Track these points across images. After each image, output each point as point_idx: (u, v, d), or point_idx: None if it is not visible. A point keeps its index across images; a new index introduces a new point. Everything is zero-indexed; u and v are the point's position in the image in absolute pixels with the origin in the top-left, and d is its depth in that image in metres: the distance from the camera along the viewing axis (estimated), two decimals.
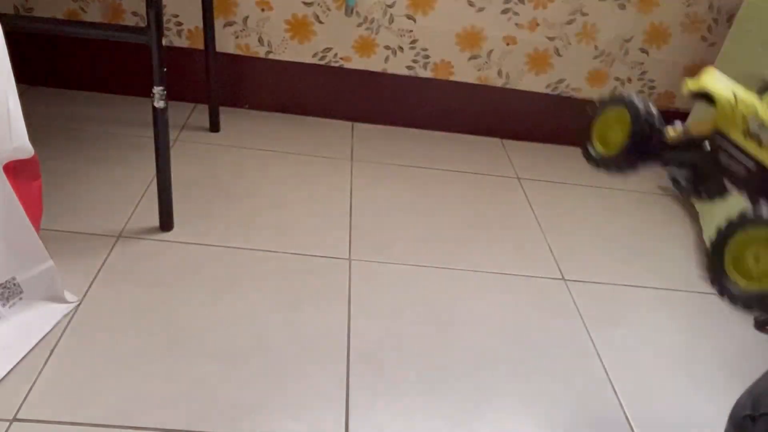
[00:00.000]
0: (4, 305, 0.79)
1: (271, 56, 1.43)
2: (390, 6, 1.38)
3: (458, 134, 1.56)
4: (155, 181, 1.00)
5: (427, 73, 1.47)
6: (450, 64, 1.46)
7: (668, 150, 0.68)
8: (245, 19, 1.38)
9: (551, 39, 1.44)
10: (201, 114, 1.45)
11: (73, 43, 1.40)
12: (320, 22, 1.39)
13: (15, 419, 0.70)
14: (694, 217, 1.36)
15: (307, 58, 1.44)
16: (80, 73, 1.44)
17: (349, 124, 1.52)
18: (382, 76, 1.47)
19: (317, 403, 0.78)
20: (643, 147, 0.68)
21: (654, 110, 0.67)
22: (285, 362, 0.83)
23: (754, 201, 0.57)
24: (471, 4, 1.38)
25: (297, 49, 1.43)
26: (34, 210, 0.81)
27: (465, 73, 1.48)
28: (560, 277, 1.10)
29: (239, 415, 0.75)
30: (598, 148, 0.73)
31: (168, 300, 0.90)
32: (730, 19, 1.42)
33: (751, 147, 0.58)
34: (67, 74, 1.44)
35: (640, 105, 0.67)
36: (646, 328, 1.01)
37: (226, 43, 1.41)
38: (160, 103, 0.92)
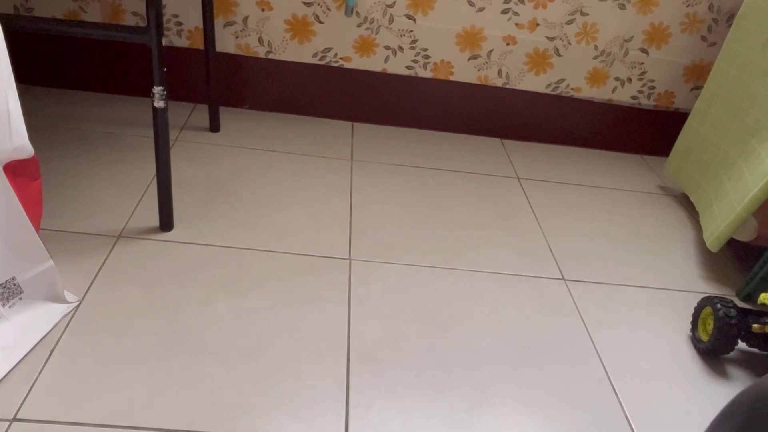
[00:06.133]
0: (4, 305, 0.79)
1: (271, 56, 1.43)
2: (390, 6, 1.38)
3: (458, 134, 1.56)
4: (155, 181, 1.01)
5: (427, 73, 1.47)
6: (450, 64, 1.46)
7: (754, 337, 0.92)
8: (245, 19, 1.38)
9: (551, 39, 1.44)
10: (201, 114, 1.45)
11: (73, 43, 1.40)
12: (320, 22, 1.40)
13: (15, 419, 0.70)
14: (694, 217, 1.36)
15: (307, 58, 1.44)
16: (80, 73, 1.44)
17: (349, 124, 1.52)
18: (382, 76, 1.47)
19: (317, 403, 0.78)
20: (728, 339, 0.91)
21: (734, 312, 0.91)
22: (285, 362, 0.83)
23: None
24: (471, 4, 1.38)
25: (297, 49, 1.43)
26: (34, 210, 0.81)
27: (465, 73, 1.48)
28: (560, 277, 1.10)
29: (239, 415, 0.75)
30: (701, 335, 0.97)
31: (168, 300, 0.90)
32: (730, 19, 1.43)
33: None
34: (67, 74, 1.44)
35: (720, 312, 0.91)
36: (646, 328, 1.01)
37: (226, 43, 1.41)
38: (160, 103, 0.92)
